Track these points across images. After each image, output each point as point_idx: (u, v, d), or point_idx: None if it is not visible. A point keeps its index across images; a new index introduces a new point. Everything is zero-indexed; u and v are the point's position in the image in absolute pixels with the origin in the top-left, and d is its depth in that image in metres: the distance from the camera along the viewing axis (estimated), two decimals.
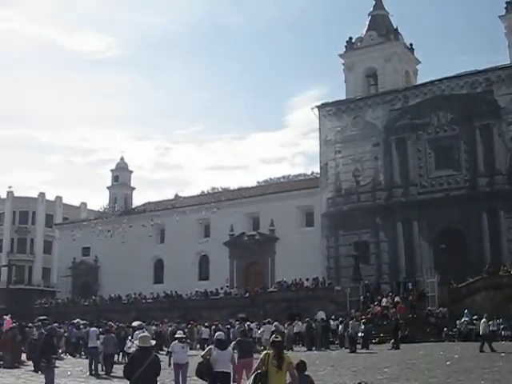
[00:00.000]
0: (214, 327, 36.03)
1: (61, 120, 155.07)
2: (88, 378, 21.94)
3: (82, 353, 30.88)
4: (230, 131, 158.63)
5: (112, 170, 77.75)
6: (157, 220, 66.43)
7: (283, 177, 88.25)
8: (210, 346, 15.18)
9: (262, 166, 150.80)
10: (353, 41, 59.49)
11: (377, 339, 37.29)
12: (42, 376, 22.32)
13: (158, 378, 11.15)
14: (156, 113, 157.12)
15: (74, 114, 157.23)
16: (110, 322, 30.57)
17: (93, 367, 23.57)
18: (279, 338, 11.12)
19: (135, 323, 34.21)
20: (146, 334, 14.25)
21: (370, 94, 57.44)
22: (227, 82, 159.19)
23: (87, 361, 25.24)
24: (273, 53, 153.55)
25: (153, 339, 12.63)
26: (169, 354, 18.63)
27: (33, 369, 24.26)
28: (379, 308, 41.97)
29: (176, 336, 18.37)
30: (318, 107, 57.13)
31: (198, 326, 39.06)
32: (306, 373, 11.06)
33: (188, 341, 19.89)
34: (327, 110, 56.36)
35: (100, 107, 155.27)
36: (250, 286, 54.20)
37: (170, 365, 18.25)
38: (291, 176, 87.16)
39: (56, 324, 33.39)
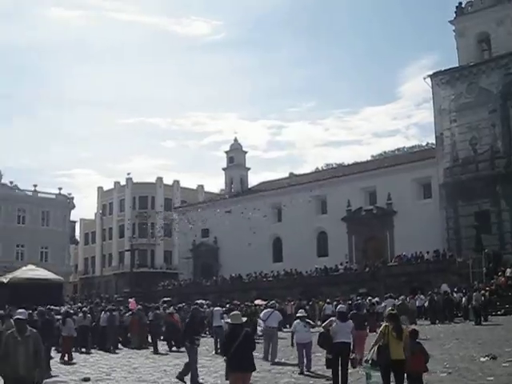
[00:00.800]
0: (335, 303, 36.26)
1: (176, 106, 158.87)
2: (214, 357, 22.59)
3: (207, 332, 31.71)
4: (342, 106, 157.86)
5: (226, 152, 78.91)
6: (273, 199, 67.23)
7: (398, 149, 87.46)
8: (331, 318, 15.86)
9: (375, 139, 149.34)
10: (463, 6, 57.78)
11: (502, 310, 36.65)
12: (165, 356, 23.48)
13: (278, 355, 11.71)
14: (267, 92, 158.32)
15: (188, 99, 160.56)
16: (234, 301, 31.21)
17: (218, 346, 24.32)
18: (395, 311, 11.82)
19: (257, 301, 35.07)
20: (237, 312, 14.79)
21: (484, 59, 55.70)
22: (337, 57, 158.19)
23: (212, 339, 26.09)
24: (382, 24, 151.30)
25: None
26: (291, 333, 18.25)
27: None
28: (503, 278, 41.08)
29: (298, 315, 18.30)
30: (430, 76, 56.09)
31: (320, 303, 39.45)
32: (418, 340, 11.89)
33: (310, 322, 19.70)
34: (440, 78, 55.21)
35: (212, 90, 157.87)
36: (369, 260, 54.13)
37: (292, 345, 18.08)
38: (406, 148, 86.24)
39: (181, 305, 34.65)
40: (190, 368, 16.01)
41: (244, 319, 12.49)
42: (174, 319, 28.04)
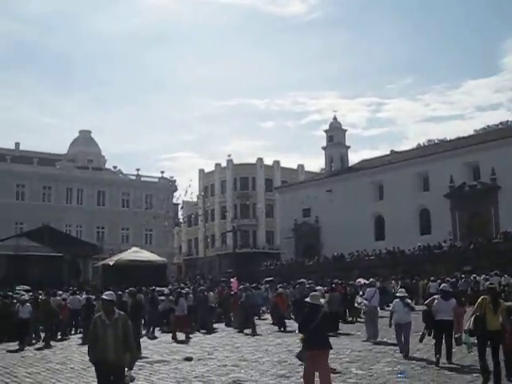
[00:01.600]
0: (439, 281, 35.66)
1: (274, 86, 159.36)
2: None
3: None
4: (442, 81, 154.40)
5: (326, 131, 78.57)
6: (374, 177, 66.62)
7: (501, 123, 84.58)
8: (433, 296, 15.92)
9: (478, 113, 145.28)
10: None
11: None
12: (267, 336, 23.63)
13: (379, 334, 11.76)
14: (365, 70, 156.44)
15: (286, 79, 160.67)
16: (337, 280, 31.12)
17: None
18: (494, 285, 12.39)
19: (360, 280, 34.83)
20: (317, 292, 14.67)
21: None
22: (434, 32, 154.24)
23: None
24: None
25: None
26: (390, 313, 17.36)
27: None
28: None
29: (397, 295, 17.60)
30: None
31: (423, 281, 38.91)
32: None
33: (410, 301, 18.72)
34: None
35: (309, 70, 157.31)
36: (473, 237, 52.83)
37: (390, 325, 17.37)
38: (509, 122, 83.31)
39: (283, 284, 34.90)
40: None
41: (323, 300, 13.09)
42: (280, 300, 28.21)
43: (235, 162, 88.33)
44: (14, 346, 21.98)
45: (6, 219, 65.54)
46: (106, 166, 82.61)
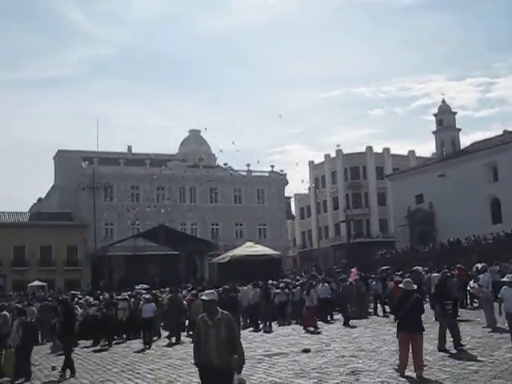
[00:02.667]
0: None
1: (380, 73, 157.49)
2: (434, 324, 22.39)
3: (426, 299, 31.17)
4: None
5: (435, 115, 76.94)
6: (487, 158, 64.71)
7: None
8: None
9: None
10: None
11: None
12: (384, 326, 23.41)
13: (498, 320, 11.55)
14: (471, 50, 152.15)
15: (391, 65, 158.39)
16: (458, 265, 30.39)
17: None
18: None
19: (477, 265, 33.88)
20: (409, 279, 14.80)
21: None
22: None
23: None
24: None
25: None
26: (499, 299, 16.12)
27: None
28: None
29: (503, 280, 16.04)
30: None
31: None
32: None
33: None
34: None
35: (414, 54, 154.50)
36: None
37: (500, 313, 16.46)
38: None
39: (400, 272, 34.47)
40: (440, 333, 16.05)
41: (415, 286, 13.74)
42: (397, 289, 27.89)
43: (344, 151, 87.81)
44: (137, 343, 22.73)
45: (123, 221, 67.89)
46: (217, 164, 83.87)
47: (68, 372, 16.31)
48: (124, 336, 25.19)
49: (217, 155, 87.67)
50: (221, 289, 24.56)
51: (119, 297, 27.89)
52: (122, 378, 15.12)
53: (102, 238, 63.24)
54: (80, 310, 25.78)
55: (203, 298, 9.08)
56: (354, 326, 23.70)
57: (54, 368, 17.55)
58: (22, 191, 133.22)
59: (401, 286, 13.52)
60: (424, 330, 13.00)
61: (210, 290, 9.86)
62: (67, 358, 16.60)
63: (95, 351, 21.57)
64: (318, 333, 22.42)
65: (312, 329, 23.29)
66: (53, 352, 22.20)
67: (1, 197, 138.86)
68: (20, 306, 24.82)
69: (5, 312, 19.64)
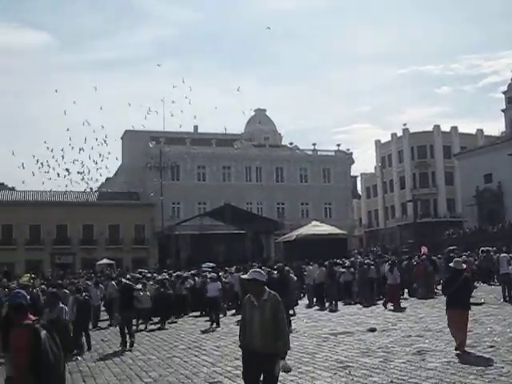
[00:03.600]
0: None
1: (447, 51, 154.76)
2: (502, 305, 22.17)
3: (495, 280, 30.84)
4: None
5: (504, 92, 75.35)
6: None
7: None
8: None
9: None
10: None
11: None
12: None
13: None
14: None
15: (460, 43, 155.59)
16: None
17: (506, 294, 23.73)
18: None
19: None
20: (459, 259, 15.75)
21: None
22: None
23: (499, 287, 25.47)
24: None
25: None
26: None
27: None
28: None
29: None
30: None
31: None
32: None
33: None
34: None
35: (483, 31, 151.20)
36: None
37: None
38: None
39: (467, 252, 34.12)
40: None
41: (464, 266, 14.25)
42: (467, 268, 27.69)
43: (411, 130, 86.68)
44: (203, 321, 23.09)
45: (189, 200, 68.60)
46: (283, 143, 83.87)
47: (128, 344, 17.45)
48: (190, 314, 25.63)
49: (282, 134, 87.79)
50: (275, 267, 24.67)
51: (184, 274, 28.39)
52: (188, 355, 15.39)
53: (168, 217, 64.02)
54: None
55: (244, 276, 8.70)
56: (421, 306, 23.61)
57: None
58: (90, 171, 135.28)
59: (451, 264, 14.13)
60: (470, 309, 13.84)
61: (256, 269, 9.40)
62: (129, 333, 17.74)
63: (160, 329, 21.97)
64: (401, 310, 22.57)
65: (393, 306, 23.40)
66: (112, 325, 23.17)
67: (72, 177, 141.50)
68: (90, 283, 25.50)
69: (64, 290, 20.27)
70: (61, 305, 13.28)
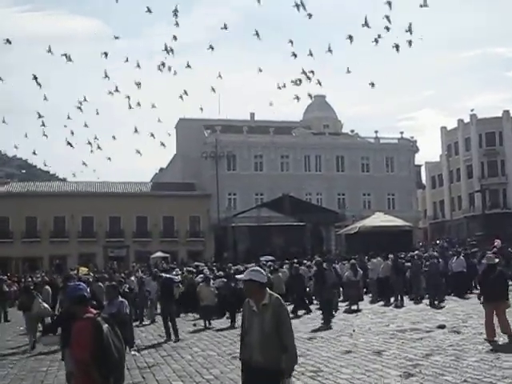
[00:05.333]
0: None
1: None
2: None
3: None
4: None
5: None
6: None
7: None
8: None
9: None
10: None
11: None
12: None
13: None
14: None
15: None
16: None
17: None
18: None
19: None
20: (491, 255, 16.81)
21: None
22: None
23: None
24: None
25: None
26: None
27: None
28: None
29: None
30: None
31: None
32: None
33: None
34: None
35: None
36: None
37: None
38: None
39: None
40: None
41: (496, 260, 15.62)
42: None
43: (479, 116, 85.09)
44: None
45: (246, 190, 68.74)
46: (343, 131, 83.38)
47: (173, 336, 18.57)
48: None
49: (343, 121, 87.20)
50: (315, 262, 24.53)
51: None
52: None
53: (224, 209, 64.40)
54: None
55: (239, 276, 7.98)
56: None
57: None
58: (144, 162, 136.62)
59: (483, 261, 16.04)
60: (507, 299, 14.75)
61: (254, 267, 8.21)
62: (173, 328, 18.80)
63: (231, 327, 21.21)
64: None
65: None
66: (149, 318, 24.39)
67: (124, 168, 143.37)
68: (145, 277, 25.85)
69: (99, 283, 20.63)
70: (120, 298, 13.40)
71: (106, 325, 6.45)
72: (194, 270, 30.41)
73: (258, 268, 7.54)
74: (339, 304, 24.58)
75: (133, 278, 27.54)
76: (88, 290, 7.29)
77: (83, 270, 42.07)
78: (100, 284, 20.95)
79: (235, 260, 41.68)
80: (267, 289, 6.89)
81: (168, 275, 21.19)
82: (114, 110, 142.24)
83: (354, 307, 23.89)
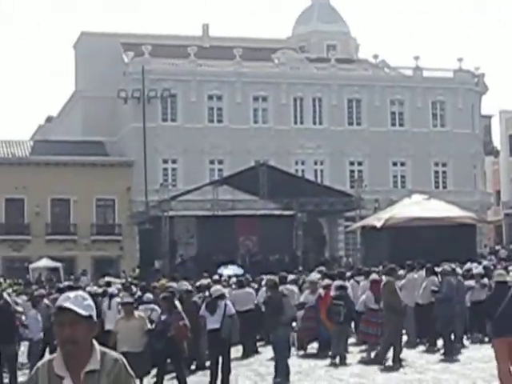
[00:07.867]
0: None
1: None
2: None
3: None
4: None
5: None
6: None
7: None
8: None
9: None
10: None
11: None
12: None
13: None
14: None
15: None
16: None
17: None
18: None
19: None
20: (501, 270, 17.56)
21: None
22: None
23: None
24: None
25: None
26: None
27: None
28: None
29: None
30: None
31: None
32: None
33: None
34: None
35: None
36: None
37: None
38: None
39: None
40: None
41: (508, 278, 16.22)
42: None
43: None
44: None
45: (194, 156, 68.81)
46: (359, 56, 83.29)
47: None
48: None
49: (359, 41, 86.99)
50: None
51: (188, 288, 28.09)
52: None
53: (157, 187, 63.87)
54: None
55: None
56: None
57: None
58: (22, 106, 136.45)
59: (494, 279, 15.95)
60: None
61: (78, 291, 6.03)
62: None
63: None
64: None
65: None
66: None
67: None
68: None
69: None
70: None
71: None
72: (100, 291, 29.94)
73: (81, 292, 5.46)
74: (349, 348, 24.49)
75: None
76: None
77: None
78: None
79: (174, 273, 41.42)
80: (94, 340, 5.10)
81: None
82: None
83: (373, 354, 23.69)
